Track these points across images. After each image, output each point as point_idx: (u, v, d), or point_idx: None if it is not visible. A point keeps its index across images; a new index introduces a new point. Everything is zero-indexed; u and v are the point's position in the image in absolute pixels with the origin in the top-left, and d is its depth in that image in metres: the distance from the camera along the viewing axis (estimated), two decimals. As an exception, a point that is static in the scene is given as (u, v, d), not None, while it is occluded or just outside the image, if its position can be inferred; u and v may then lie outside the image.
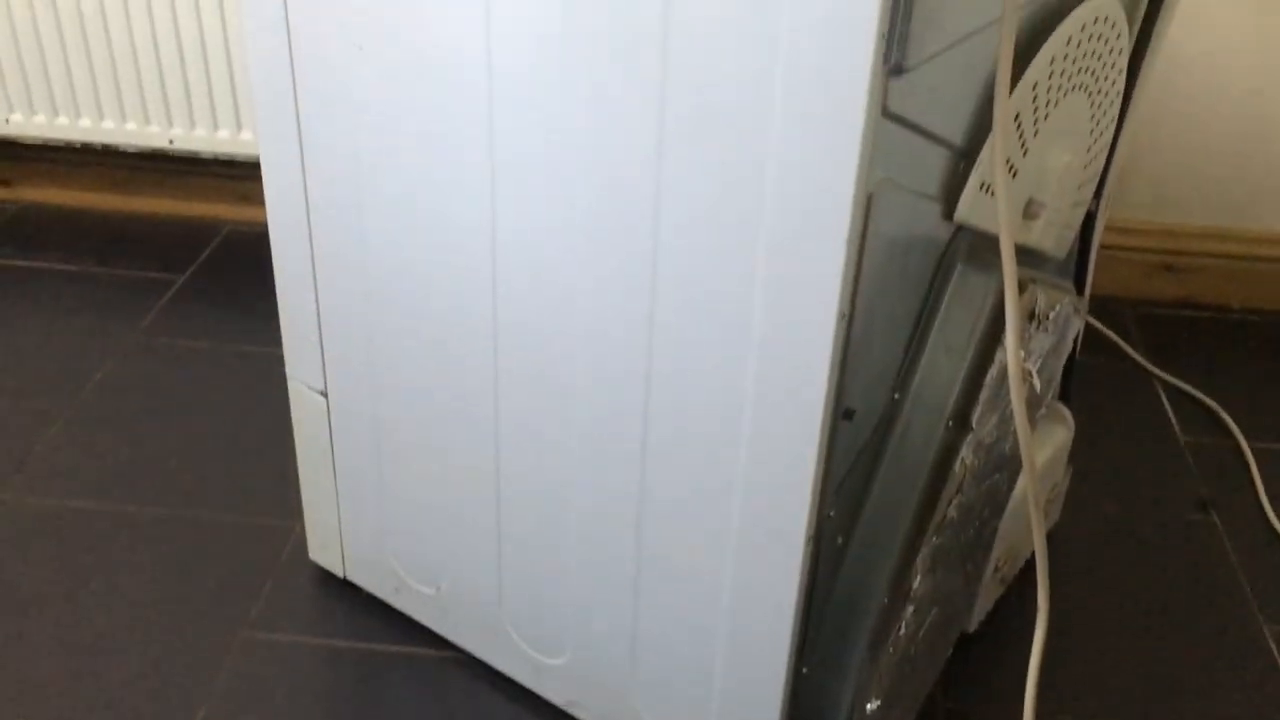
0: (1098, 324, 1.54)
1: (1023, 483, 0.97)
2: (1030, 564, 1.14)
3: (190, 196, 1.73)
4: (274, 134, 0.90)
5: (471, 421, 0.91)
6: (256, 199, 1.70)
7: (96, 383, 1.39)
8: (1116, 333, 1.53)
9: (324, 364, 0.99)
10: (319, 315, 0.97)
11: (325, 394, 1.01)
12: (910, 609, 0.85)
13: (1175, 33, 1.45)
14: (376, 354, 0.94)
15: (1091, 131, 0.90)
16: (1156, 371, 1.46)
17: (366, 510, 1.04)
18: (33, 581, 1.13)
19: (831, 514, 0.80)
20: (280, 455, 1.28)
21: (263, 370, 1.42)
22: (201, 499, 1.23)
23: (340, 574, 1.12)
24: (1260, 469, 1.31)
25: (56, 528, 1.19)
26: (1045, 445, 1.07)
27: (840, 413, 0.75)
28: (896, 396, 0.81)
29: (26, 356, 1.43)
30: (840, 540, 0.82)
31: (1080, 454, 1.31)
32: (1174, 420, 1.39)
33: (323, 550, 1.12)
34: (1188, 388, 1.43)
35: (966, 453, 0.82)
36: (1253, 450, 1.34)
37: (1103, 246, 1.48)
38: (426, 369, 0.92)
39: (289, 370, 1.03)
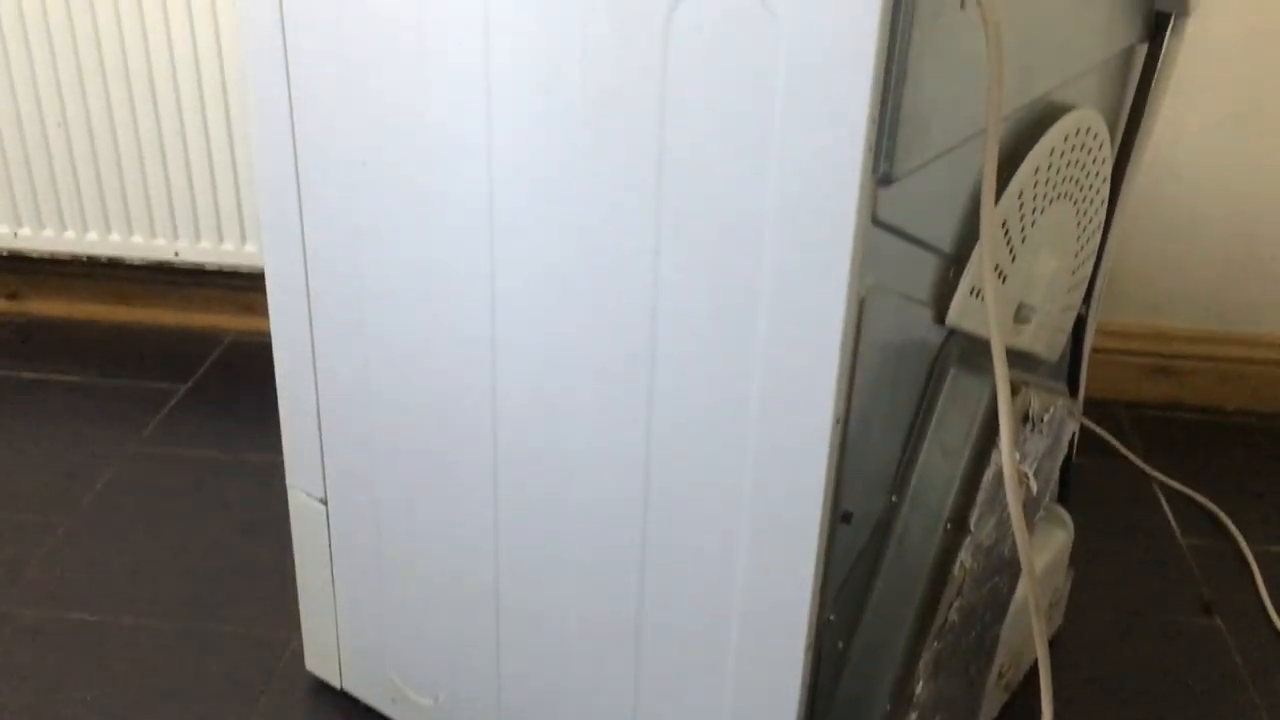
0: (1094, 426, 1.55)
1: (1024, 586, 0.97)
2: (1034, 669, 1.13)
3: (194, 307, 1.75)
4: (278, 246, 0.92)
5: (471, 531, 0.91)
6: (259, 309, 1.72)
7: (97, 493, 1.39)
8: (1113, 435, 1.54)
9: (324, 471, 1.00)
10: (319, 423, 0.97)
11: (325, 502, 1.01)
12: (913, 715, 0.84)
13: (1159, 141, 1.49)
14: (377, 461, 0.95)
15: (1078, 238, 0.92)
16: (1154, 474, 1.47)
17: (365, 620, 1.04)
18: (26, 694, 1.11)
19: (832, 618, 0.79)
20: (279, 564, 1.28)
21: (263, 479, 1.42)
22: (198, 610, 1.22)
23: (337, 684, 1.10)
24: (1262, 572, 1.31)
25: (52, 639, 1.18)
26: (1045, 548, 1.07)
27: (838, 516, 0.75)
28: (894, 499, 0.82)
29: (28, 467, 1.44)
30: (841, 645, 0.82)
31: (1081, 557, 1.30)
32: (1173, 522, 1.39)
33: (320, 660, 1.11)
34: (1186, 490, 1.43)
35: (965, 555, 0.82)
36: (1254, 553, 1.33)
37: (1096, 350, 1.50)
38: (426, 478, 0.92)
39: (289, 478, 1.03)
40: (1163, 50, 0.92)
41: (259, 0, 0.83)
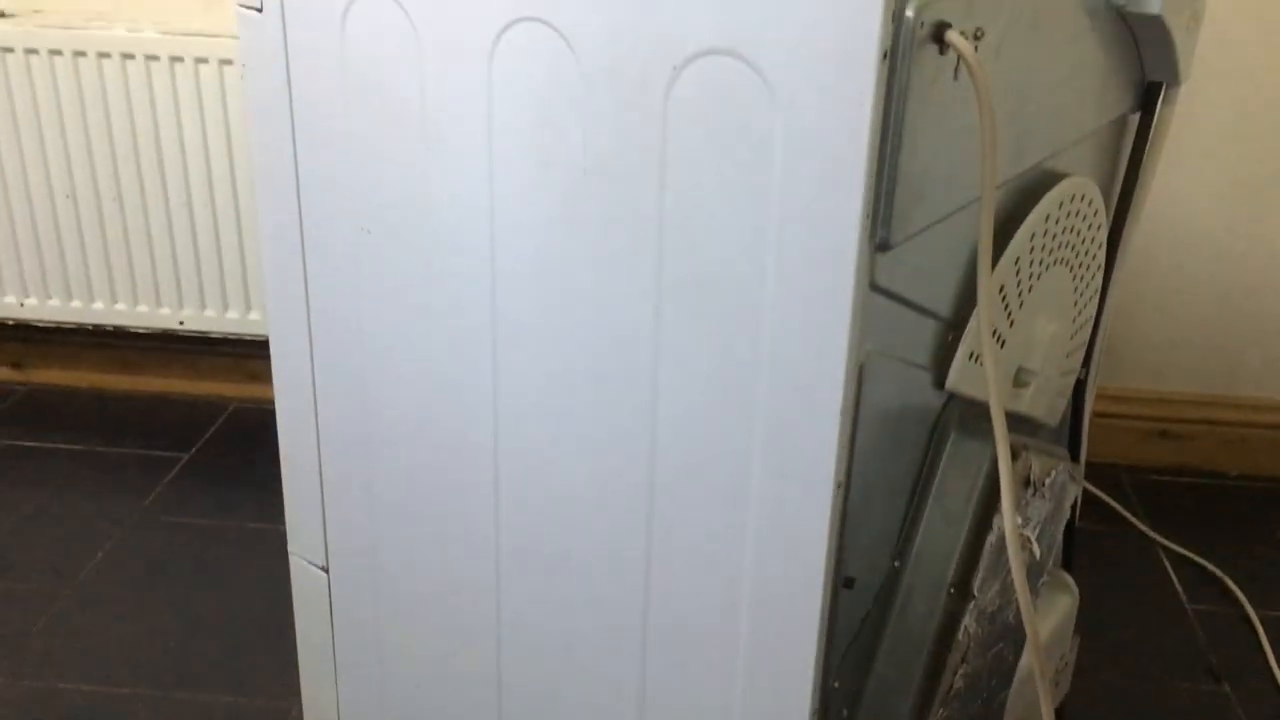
0: (1096, 491, 1.54)
1: (1029, 653, 0.96)
2: (1041, 737, 1.11)
3: (198, 375, 1.76)
4: (283, 314, 0.92)
5: (474, 600, 0.91)
6: (263, 377, 1.73)
7: (98, 561, 1.39)
8: (1115, 499, 1.53)
9: (326, 538, 0.99)
10: (322, 490, 0.98)
11: (326, 569, 1.01)
12: (920, 784, 0.83)
13: (1155, 207, 1.51)
14: (379, 530, 0.95)
15: (1076, 302, 0.93)
16: (1158, 538, 1.46)
17: (365, 689, 1.03)
18: (23, 767, 1.10)
19: (836, 685, 0.79)
20: (280, 633, 1.27)
21: (265, 547, 1.42)
22: (198, 679, 1.21)
23: (337, 756, 1.09)
24: (1269, 637, 1.30)
25: (52, 709, 1.17)
26: (1050, 614, 1.06)
27: (841, 581, 0.75)
28: (896, 564, 0.82)
29: (30, 536, 1.43)
30: (846, 712, 0.81)
31: (1086, 623, 1.29)
32: (1179, 587, 1.38)
33: (320, 731, 1.10)
34: (1191, 554, 1.43)
35: (970, 621, 0.82)
36: (1260, 618, 1.32)
37: (1098, 414, 1.50)
38: (429, 547, 0.92)
39: (291, 545, 1.03)
40: (1155, 119, 0.93)
41: (267, 75, 0.84)
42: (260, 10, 0.83)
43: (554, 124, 0.72)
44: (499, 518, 0.86)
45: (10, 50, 1.50)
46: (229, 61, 1.48)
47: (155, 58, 1.49)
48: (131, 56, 1.49)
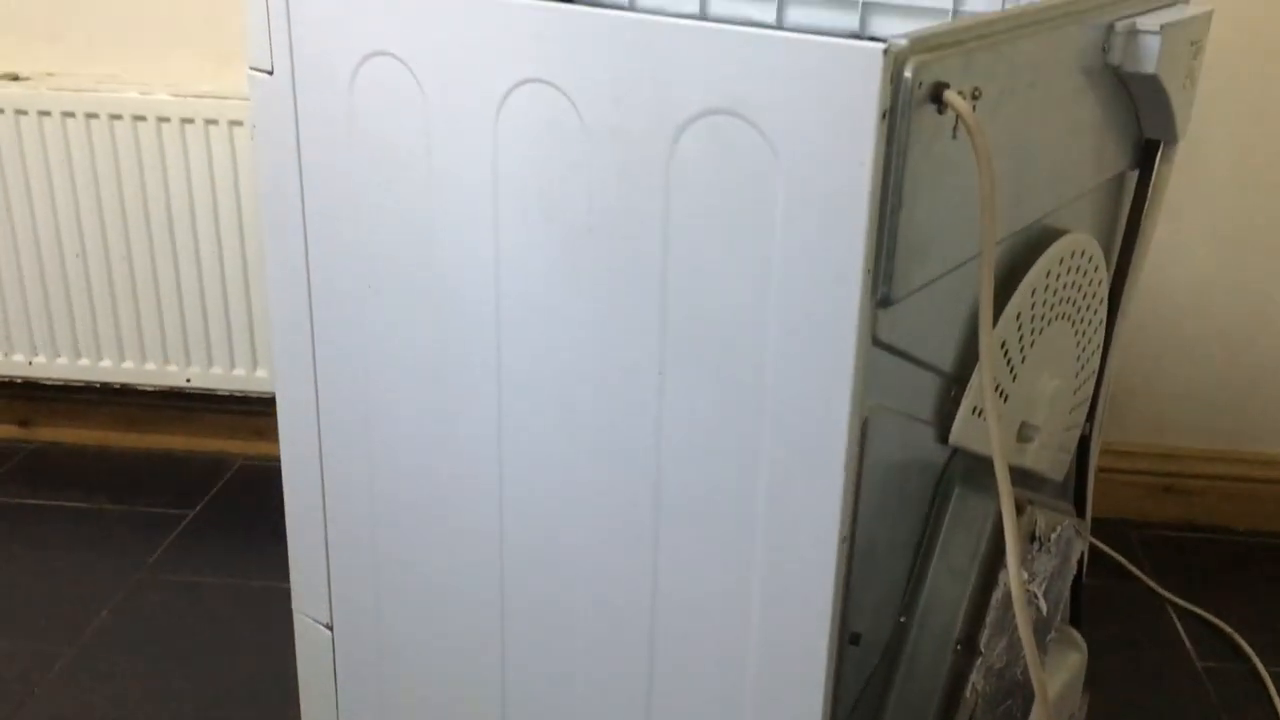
0: (1104, 546, 1.54)
1: (1038, 710, 0.95)
2: (1052, 797, 1.10)
3: (204, 432, 1.76)
4: (290, 371, 0.93)
5: (478, 662, 0.91)
6: (269, 434, 1.73)
7: (102, 620, 1.38)
8: (1123, 555, 1.53)
9: (331, 596, 0.99)
10: (327, 548, 0.97)
11: (331, 627, 1.01)
12: (928, 845, 0.82)
13: (1156, 262, 1.51)
14: (384, 588, 0.95)
15: (1078, 357, 0.94)
16: (1167, 595, 1.45)
17: (369, 748, 1.02)
18: (23, 829, 1.09)
19: (842, 743, 0.78)
20: (284, 691, 1.26)
21: (270, 604, 1.41)
22: (201, 739, 1.20)
23: (340, 817, 1.08)
24: (1281, 694, 1.28)
25: (51, 771, 1.16)
26: (1059, 670, 1.06)
27: (847, 637, 0.75)
28: (902, 620, 0.81)
29: (33, 595, 1.43)
30: (853, 771, 0.81)
31: (1095, 680, 1.28)
32: (1188, 644, 1.37)
33: (323, 792, 1.09)
34: (1200, 611, 1.42)
35: (977, 678, 0.82)
36: (1271, 675, 1.31)
37: (1103, 469, 1.50)
38: (434, 606, 0.92)
39: (295, 603, 1.03)
40: (1153, 176, 0.94)
41: (277, 136, 0.86)
42: (271, 73, 0.84)
43: (558, 182, 0.73)
44: (504, 575, 0.86)
45: (24, 112, 1.53)
46: (239, 123, 1.50)
47: (166, 119, 1.51)
48: (143, 118, 1.51)
